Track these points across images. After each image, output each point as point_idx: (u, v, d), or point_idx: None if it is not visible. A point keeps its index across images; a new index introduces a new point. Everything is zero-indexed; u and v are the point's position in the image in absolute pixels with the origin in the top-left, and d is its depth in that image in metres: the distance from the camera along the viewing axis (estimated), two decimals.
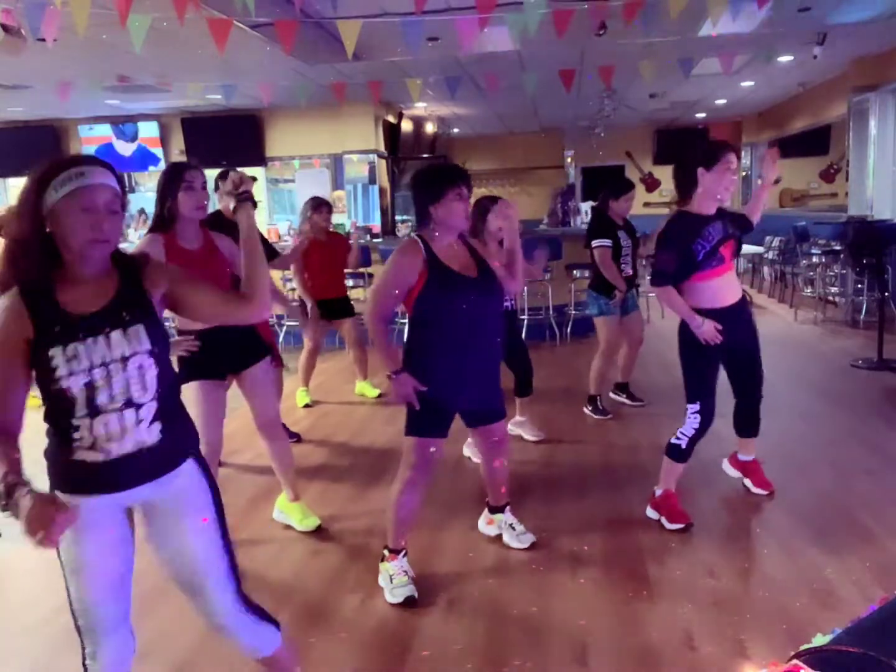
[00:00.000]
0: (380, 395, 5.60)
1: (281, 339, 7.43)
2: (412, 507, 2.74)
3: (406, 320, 2.76)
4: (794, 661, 0.79)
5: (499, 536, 3.13)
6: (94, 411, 1.57)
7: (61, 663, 2.42)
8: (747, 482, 3.55)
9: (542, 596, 2.71)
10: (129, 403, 1.60)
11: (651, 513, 3.30)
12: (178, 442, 1.73)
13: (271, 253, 4.47)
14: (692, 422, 3.14)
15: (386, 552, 2.78)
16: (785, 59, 8.07)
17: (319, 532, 3.33)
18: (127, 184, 10.73)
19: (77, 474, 1.61)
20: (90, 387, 1.55)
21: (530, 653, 2.37)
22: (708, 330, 3.00)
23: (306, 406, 5.51)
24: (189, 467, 1.74)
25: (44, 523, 1.33)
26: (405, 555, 2.79)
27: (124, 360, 1.58)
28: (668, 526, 3.18)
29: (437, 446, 2.70)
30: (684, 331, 3.14)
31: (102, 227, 1.55)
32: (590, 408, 4.95)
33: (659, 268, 3.10)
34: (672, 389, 5.34)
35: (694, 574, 2.82)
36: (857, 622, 0.88)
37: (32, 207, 1.56)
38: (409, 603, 2.66)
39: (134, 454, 1.62)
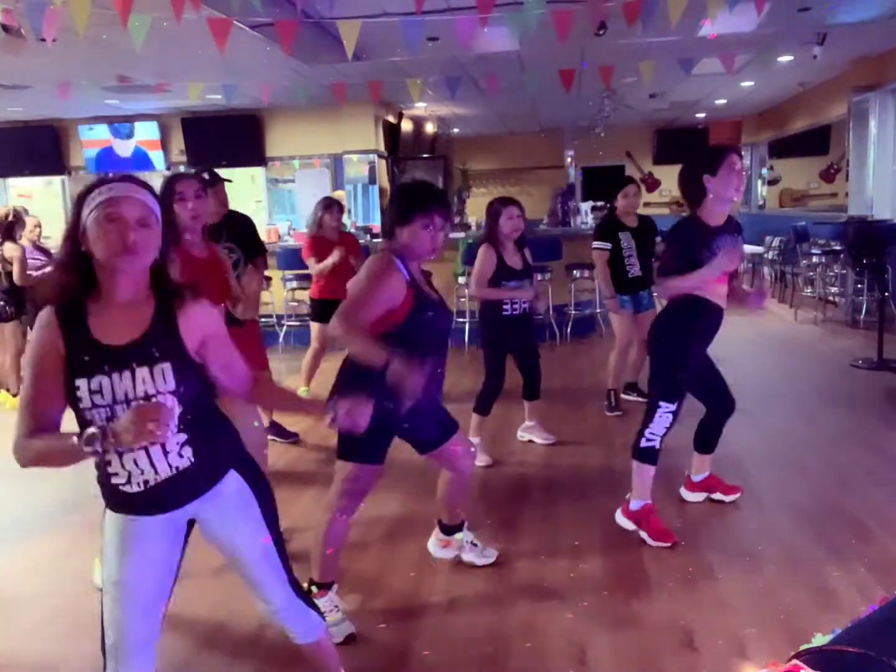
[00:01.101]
0: None
1: (280, 339, 7.43)
2: (343, 536, 2.54)
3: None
4: (794, 661, 0.79)
5: (456, 557, 2.94)
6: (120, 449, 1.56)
7: (63, 664, 2.42)
8: (717, 496, 3.43)
9: (541, 596, 2.71)
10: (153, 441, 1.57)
11: (624, 522, 3.16)
12: (215, 458, 1.72)
13: (259, 249, 4.36)
14: (664, 421, 3.02)
15: (314, 588, 2.50)
16: (785, 59, 8.07)
17: None
18: None
19: (122, 499, 1.64)
20: (111, 422, 1.53)
21: (530, 653, 2.38)
22: (725, 255, 2.85)
23: None
24: (231, 478, 1.74)
25: (148, 416, 1.43)
26: (334, 587, 2.56)
27: (147, 398, 1.56)
28: (651, 543, 3.06)
29: (374, 472, 2.49)
30: (672, 326, 3.06)
31: (127, 238, 1.53)
32: (605, 403, 5.02)
33: (662, 267, 3.05)
34: None
35: (694, 574, 2.81)
36: (857, 622, 0.88)
37: (73, 229, 1.58)
38: (349, 641, 2.46)
39: (170, 479, 1.63)
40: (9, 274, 5.60)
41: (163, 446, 1.61)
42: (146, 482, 1.61)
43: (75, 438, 1.48)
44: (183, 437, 1.64)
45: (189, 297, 1.68)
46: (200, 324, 1.68)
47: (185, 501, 1.68)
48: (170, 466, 1.62)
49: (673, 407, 3.01)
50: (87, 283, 1.58)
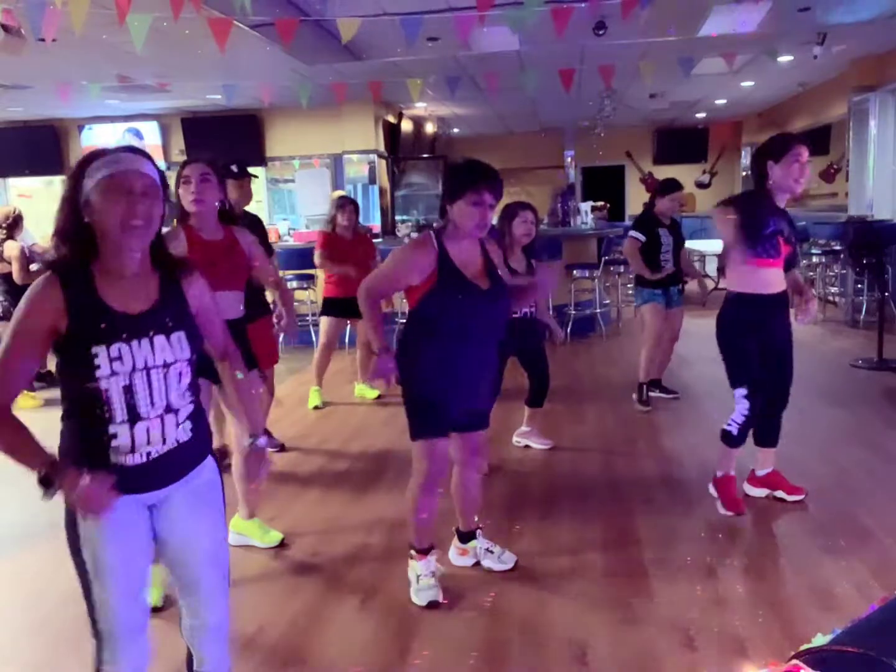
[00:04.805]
0: (379, 397, 5.59)
1: (280, 339, 7.41)
2: (431, 508, 2.70)
3: (404, 319, 2.73)
4: (794, 661, 0.78)
5: (476, 564, 2.96)
6: (134, 418, 1.56)
7: (63, 662, 2.42)
8: (780, 494, 3.40)
9: (542, 596, 2.71)
10: (169, 409, 1.60)
11: (712, 490, 3.39)
12: (203, 438, 1.75)
13: (269, 250, 4.44)
14: (741, 407, 3.14)
15: (413, 552, 2.75)
16: (785, 59, 8.07)
17: (319, 533, 3.32)
18: None
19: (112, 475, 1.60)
20: (128, 390, 1.53)
21: (530, 653, 2.37)
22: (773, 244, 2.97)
23: (316, 408, 5.35)
24: (210, 463, 1.77)
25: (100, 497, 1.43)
26: (434, 553, 2.76)
27: (166, 366, 1.58)
28: (721, 511, 3.24)
29: (444, 446, 2.64)
30: (724, 316, 3.15)
31: (136, 210, 1.51)
32: (635, 396, 5.06)
33: (723, 200, 3.08)
34: (680, 393, 5.35)
35: (694, 574, 2.81)
36: (857, 622, 0.88)
37: (70, 197, 1.55)
38: (431, 606, 2.64)
39: (170, 453, 1.62)
40: (9, 273, 5.60)
41: (176, 415, 1.61)
42: (149, 454, 1.59)
43: (40, 465, 1.45)
44: (190, 408, 1.66)
45: (191, 270, 1.72)
46: (199, 295, 1.71)
47: (170, 480, 1.65)
48: (174, 439, 1.62)
49: (745, 391, 3.12)
50: (87, 252, 1.56)
